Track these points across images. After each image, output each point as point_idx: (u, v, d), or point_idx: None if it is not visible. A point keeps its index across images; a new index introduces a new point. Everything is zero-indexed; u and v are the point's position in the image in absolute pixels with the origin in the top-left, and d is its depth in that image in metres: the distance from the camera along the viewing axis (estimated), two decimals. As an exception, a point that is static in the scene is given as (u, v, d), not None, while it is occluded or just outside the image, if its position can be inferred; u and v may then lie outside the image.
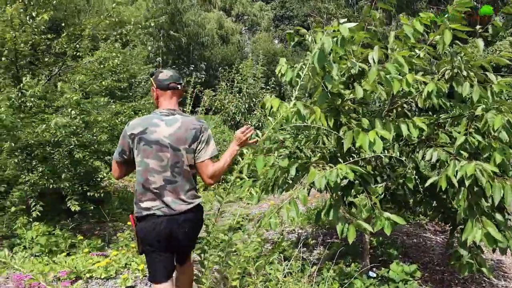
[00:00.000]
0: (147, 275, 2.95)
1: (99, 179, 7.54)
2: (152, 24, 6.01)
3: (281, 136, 4.28)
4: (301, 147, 3.93)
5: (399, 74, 2.99)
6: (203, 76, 25.20)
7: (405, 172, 3.70)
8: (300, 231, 6.13)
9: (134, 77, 8.73)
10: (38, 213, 4.61)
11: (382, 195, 3.98)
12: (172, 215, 2.55)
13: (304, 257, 4.73)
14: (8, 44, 5.09)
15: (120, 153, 2.65)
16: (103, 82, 5.49)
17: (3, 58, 5.29)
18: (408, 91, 3.13)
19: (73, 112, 4.62)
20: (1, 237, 5.55)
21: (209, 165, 2.63)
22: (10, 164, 4.68)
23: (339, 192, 3.30)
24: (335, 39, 2.88)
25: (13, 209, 5.55)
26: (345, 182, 3.27)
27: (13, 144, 4.48)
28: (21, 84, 4.58)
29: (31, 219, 5.23)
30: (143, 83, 11.37)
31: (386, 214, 3.02)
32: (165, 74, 2.71)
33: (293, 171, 3.43)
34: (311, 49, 3.03)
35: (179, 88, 2.73)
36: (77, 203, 4.80)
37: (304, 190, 3.17)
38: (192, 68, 25.64)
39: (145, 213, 2.55)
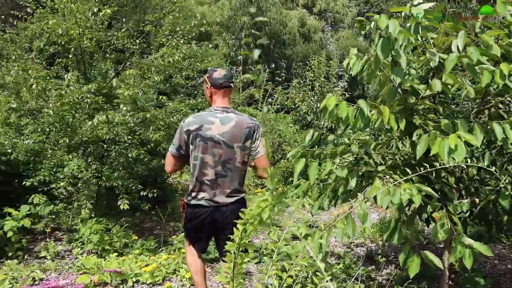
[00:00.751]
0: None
1: (165, 178, 7.54)
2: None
3: (361, 137, 3.71)
4: (370, 152, 3.37)
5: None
6: (284, 74, 24.95)
7: (498, 187, 2.99)
8: (370, 244, 5.52)
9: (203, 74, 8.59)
10: (87, 211, 4.52)
11: (468, 212, 3.31)
12: (217, 207, 2.78)
13: (372, 276, 4.17)
14: (74, 41, 5.11)
15: (178, 148, 2.84)
16: (156, 78, 5.30)
17: (70, 55, 5.35)
18: (502, 85, 2.43)
19: (124, 108, 4.47)
20: (66, 230, 5.64)
21: (264, 159, 2.88)
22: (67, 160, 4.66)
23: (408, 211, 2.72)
24: (408, 25, 2.34)
25: (76, 204, 5.63)
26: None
27: (67, 141, 4.44)
28: (68, 80, 4.50)
29: (92, 215, 5.24)
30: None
31: (468, 240, 2.38)
32: (219, 73, 2.87)
33: (353, 183, 2.90)
34: (374, 37, 2.51)
35: (232, 86, 2.91)
36: (127, 202, 4.65)
37: (365, 204, 2.64)
38: (272, 67, 25.53)
39: (195, 202, 2.81)
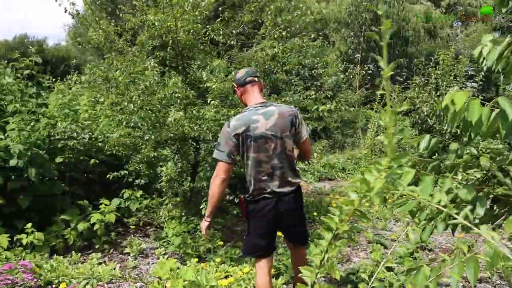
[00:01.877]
0: (242, 250, 3.09)
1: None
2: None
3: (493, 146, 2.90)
4: (507, 168, 2.52)
5: None
6: (404, 74, 23.23)
7: None
8: (498, 281, 4.47)
9: (310, 69, 8.02)
10: (177, 209, 4.27)
11: None
12: (279, 197, 2.81)
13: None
14: (171, 34, 4.94)
15: (228, 154, 2.76)
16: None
17: (168, 49, 5.20)
18: None
19: (213, 103, 4.13)
20: (156, 226, 5.57)
21: (308, 141, 2.99)
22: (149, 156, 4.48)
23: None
24: None
25: (166, 201, 5.50)
26: None
27: (152, 137, 4.25)
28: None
29: (183, 213, 5.07)
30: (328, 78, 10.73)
31: None
32: (240, 72, 2.95)
33: (480, 210, 2.12)
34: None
35: (256, 80, 2.92)
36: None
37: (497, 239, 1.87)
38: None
39: (256, 198, 2.80)
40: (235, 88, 2.96)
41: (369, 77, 21.54)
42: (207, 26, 5.08)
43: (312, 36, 4.95)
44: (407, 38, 24.25)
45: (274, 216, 2.82)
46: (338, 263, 4.59)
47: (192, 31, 4.99)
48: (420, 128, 7.31)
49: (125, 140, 4.46)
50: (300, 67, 7.98)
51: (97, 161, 5.51)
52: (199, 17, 5.03)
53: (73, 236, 4.47)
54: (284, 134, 2.78)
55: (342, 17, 23.95)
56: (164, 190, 4.81)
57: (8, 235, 4.03)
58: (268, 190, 2.78)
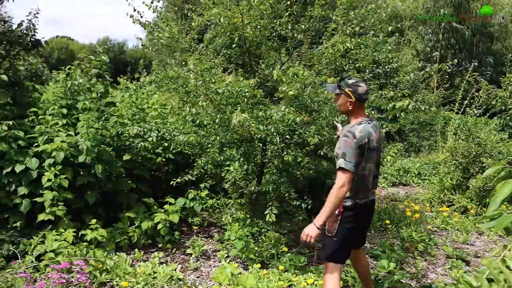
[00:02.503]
0: (328, 255, 3.11)
1: (331, 183, 6.81)
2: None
3: None
4: None
5: None
6: (489, 73, 21.52)
7: None
8: None
9: (383, 65, 7.52)
10: (230, 215, 4.12)
11: None
12: (371, 204, 3.19)
13: None
14: (238, 31, 4.80)
15: (355, 165, 2.83)
16: (324, 70, 4.59)
17: (234, 45, 5.07)
18: None
19: (283, 107, 3.89)
20: (220, 227, 5.47)
21: None
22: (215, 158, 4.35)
23: None
24: None
25: (232, 201, 5.38)
26: None
27: (218, 138, 4.11)
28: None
29: (248, 216, 4.91)
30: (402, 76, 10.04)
31: None
32: (363, 88, 3.00)
33: None
34: None
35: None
36: (276, 212, 4.09)
37: None
38: (476, 64, 22.18)
39: (359, 205, 2.98)
40: (350, 100, 3.00)
41: (448, 77, 20.17)
42: (275, 21, 4.87)
43: (390, 29, 4.55)
44: (492, 34, 22.44)
45: (364, 219, 3.15)
46: (412, 279, 4.18)
47: (259, 27, 4.81)
48: (511, 131, 6.58)
49: (191, 139, 4.38)
50: (374, 65, 7.50)
51: (164, 160, 5.52)
52: (266, 12, 4.83)
53: (137, 234, 4.47)
54: (381, 146, 3.11)
55: (419, 13, 22.66)
56: (229, 192, 4.68)
57: (74, 230, 4.10)
58: (370, 198, 3.08)
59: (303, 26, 4.76)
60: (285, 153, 4.18)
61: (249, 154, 4.47)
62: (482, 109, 8.65)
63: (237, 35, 4.84)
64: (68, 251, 3.73)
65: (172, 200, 5.06)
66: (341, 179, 2.76)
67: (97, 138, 4.41)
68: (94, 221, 4.17)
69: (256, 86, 4.61)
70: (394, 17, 23.73)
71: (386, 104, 3.84)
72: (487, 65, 22.50)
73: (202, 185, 5.11)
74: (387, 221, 5.85)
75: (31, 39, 6.04)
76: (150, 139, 4.77)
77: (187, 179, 4.57)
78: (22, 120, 4.75)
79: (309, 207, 4.42)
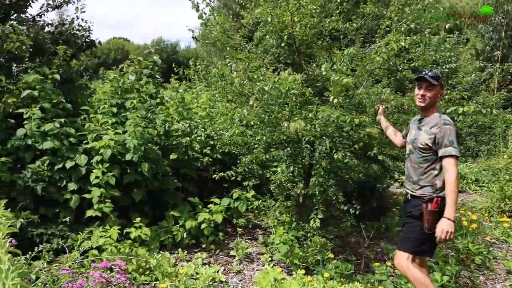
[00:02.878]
0: (417, 250, 3.09)
1: (385, 186, 6.54)
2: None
3: None
4: None
5: None
6: (555, 72, 20.04)
7: None
8: None
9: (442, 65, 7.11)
10: (275, 217, 4.01)
11: None
12: None
13: None
14: (287, 29, 4.68)
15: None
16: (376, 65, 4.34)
17: (283, 44, 4.95)
18: None
19: (336, 100, 3.71)
20: (265, 229, 5.37)
21: None
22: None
23: None
24: None
25: (278, 203, 5.26)
26: None
27: (264, 138, 4.00)
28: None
29: (293, 219, 4.79)
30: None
31: None
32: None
33: None
34: None
35: None
36: (321, 216, 3.94)
37: None
38: (543, 62, 20.77)
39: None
40: (442, 90, 3.12)
41: (510, 77, 18.99)
42: (326, 20, 4.71)
43: (448, 26, 4.25)
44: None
45: None
46: (469, 294, 3.89)
47: (309, 25, 4.66)
48: None
49: (237, 138, 4.32)
50: (432, 65, 7.11)
51: (211, 160, 5.50)
52: (316, 11, 4.67)
53: (181, 233, 4.46)
54: None
55: (478, 10, 21.46)
56: (274, 194, 4.57)
57: (119, 227, 4.14)
58: None
59: (354, 25, 4.56)
60: (334, 151, 4.01)
61: (296, 155, 4.34)
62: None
63: (286, 33, 4.72)
64: (111, 249, 3.77)
65: (217, 200, 5.02)
66: (455, 166, 2.83)
67: (144, 137, 4.44)
68: (138, 219, 4.20)
69: (304, 83, 4.48)
70: (452, 14, 22.59)
71: (445, 107, 3.59)
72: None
73: (246, 183, 5.02)
74: (441, 230, 5.52)
75: (86, 39, 6.24)
76: (198, 138, 4.76)
77: (230, 175, 4.51)
78: (74, 118, 4.88)
79: (357, 212, 4.23)
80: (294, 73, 5.16)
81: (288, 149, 4.30)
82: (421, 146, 2.99)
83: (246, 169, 4.55)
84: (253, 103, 3.85)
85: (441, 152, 2.88)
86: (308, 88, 4.25)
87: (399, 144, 3.62)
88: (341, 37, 4.99)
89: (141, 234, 4.10)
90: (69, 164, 4.25)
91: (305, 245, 4.47)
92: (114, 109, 4.95)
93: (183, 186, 5.23)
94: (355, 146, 4.21)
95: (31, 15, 6.49)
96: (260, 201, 5.47)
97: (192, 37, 5.13)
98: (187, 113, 5.56)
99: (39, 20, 6.42)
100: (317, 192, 4.13)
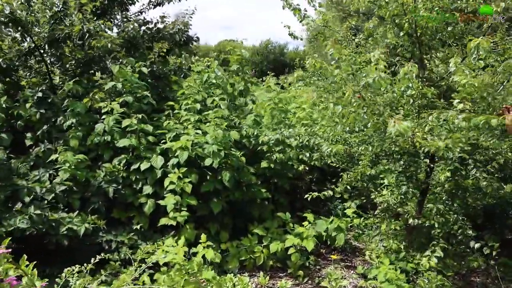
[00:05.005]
0: None
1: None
2: None
3: None
4: None
5: None
6: None
7: None
8: None
9: None
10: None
11: None
12: None
13: None
14: (408, 15, 3.78)
15: None
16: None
17: (401, 33, 4.05)
18: None
19: (460, 106, 2.77)
20: (367, 256, 4.49)
21: None
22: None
23: None
24: None
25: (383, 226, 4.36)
26: None
27: (370, 148, 3.17)
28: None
29: (401, 247, 3.88)
30: None
31: None
32: None
33: None
34: None
35: None
36: (439, 255, 2.99)
37: None
38: None
39: None
40: None
41: None
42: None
43: None
44: None
45: None
46: None
47: (436, 8, 3.70)
48: None
49: (339, 148, 3.53)
50: None
51: (307, 168, 4.78)
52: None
53: (264, 256, 3.80)
54: None
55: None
56: (378, 219, 3.71)
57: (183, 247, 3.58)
58: None
59: (502, 4, 3.50)
60: (464, 172, 3.03)
61: (411, 171, 3.42)
62: None
63: (406, 20, 3.82)
64: (178, 267, 3.21)
65: (310, 217, 4.29)
66: None
67: (225, 141, 3.88)
68: (204, 237, 3.51)
69: (425, 82, 3.57)
70: None
71: None
72: None
73: (348, 204, 4.22)
74: None
75: (183, 36, 5.97)
76: (291, 152, 4.10)
77: (327, 195, 3.75)
78: (159, 114, 4.52)
79: (493, 253, 3.18)
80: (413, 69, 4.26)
81: (401, 162, 3.38)
82: None
83: (348, 187, 3.75)
84: (356, 102, 3.05)
85: None
86: (430, 89, 3.34)
87: None
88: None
89: (209, 256, 3.46)
90: (144, 166, 3.84)
91: (416, 283, 3.53)
92: (198, 106, 4.45)
93: (274, 196, 4.60)
94: (493, 164, 3.19)
95: (132, 13, 6.46)
96: (362, 218, 4.58)
97: (289, 33, 4.47)
98: (283, 116, 4.89)
99: (139, 18, 6.30)
100: (436, 224, 3.18)
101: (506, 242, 5.10)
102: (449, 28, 3.83)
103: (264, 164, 4.38)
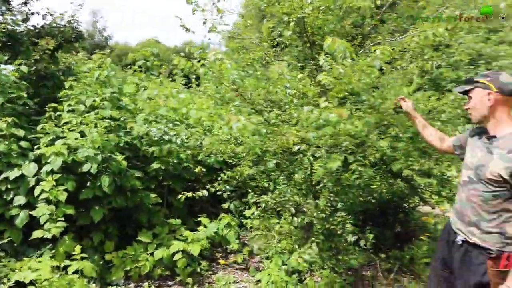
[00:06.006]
0: None
1: (412, 207, 5.46)
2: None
3: None
4: None
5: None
6: None
7: None
8: None
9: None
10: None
11: None
12: None
13: None
14: (296, 12, 3.73)
15: None
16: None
17: (289, 32, 4.01)
18: None
19: (323, 105, 2.76)
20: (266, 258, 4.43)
21: None
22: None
23: None
24: None
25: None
26: None
27: (252, 147, 3.07)
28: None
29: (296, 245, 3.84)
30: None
31: None
32: (507, 77, 2.19)
33: None
34: None
35: None
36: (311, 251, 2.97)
37: None
38: None
39: None
40: (490, 92, 2.18)
41: None
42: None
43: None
44: None
45: None
46: None
47: (323, 7, 3.70)
48: None
49: (222, 147, 3.40)
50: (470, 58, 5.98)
51: (203, 169, 4.62)
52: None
53: (149, 264, 3.57)
54: None
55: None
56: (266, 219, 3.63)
57: (51, 261, 3.27)
58: None
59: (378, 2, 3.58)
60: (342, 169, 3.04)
61: (290, 170, 3.38)
62: None
63: (293, 19, 3.77)
64: (45, 285, 2.90)
65: (206, 220, 4.15)
66: None
67: (104, 143, 3.60)
68: (78, 248, 3.24)
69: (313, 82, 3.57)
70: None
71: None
72: None
73: (226, 205, 4.13)
74: None
75: (73, 32, 5.57)
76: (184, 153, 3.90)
77: (202, 195, 3.63)
78: (40, 117, 4.11)
79: (368, 245, 3.21)
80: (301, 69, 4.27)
81: (282, 161, 3.32)
82: (492, 177, 2.05)
83: (227, 186, 3.63)
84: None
85: None
86: (312, 87, 3.33)
87: (443, 150, 2.67)
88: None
89: (81, 268, 3.19)
90: (14, 174, 3.46)
91: (307, 283, 3.51)
92: (82, 107, 4.11)
93: (167, 200, 4.38)
94: (370, 158, 3.23)
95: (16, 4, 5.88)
96: (261, 219, 4.50)
97: (180, 25, 4.27)
98: (180, 117, 4.67)
99: (22, 10, 5.75)
100: (314, 221, 3.16)
101: (398, 235, 5.33)
102: (332, 27, 3.86)
103: (155, 166, 4.16)
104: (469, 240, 2.12)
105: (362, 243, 3.00)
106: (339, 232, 3.25)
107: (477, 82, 2.21)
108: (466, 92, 2.28)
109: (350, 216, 3.42)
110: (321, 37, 4.06)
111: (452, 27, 3.30)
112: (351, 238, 3.14)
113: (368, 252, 4.01)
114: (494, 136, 2.13)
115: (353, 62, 2.67)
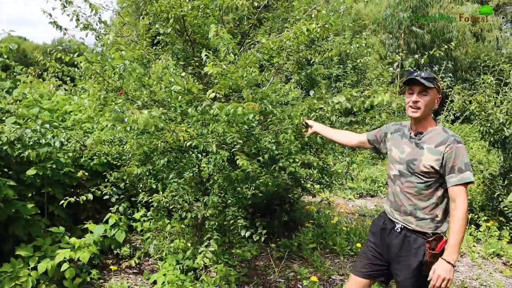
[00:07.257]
0: None
1: (296, 197, 5.84)
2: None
3: None
4: None
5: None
6: (449, 78, 21.42)
7: None
8: None
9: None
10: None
11: None
12: None
13: None
14: (174, 10, 3.71)
15: None
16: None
17: (169, 30, 3.98)
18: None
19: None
20: (159, 259, 4.36)
21: None
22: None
23: None
24: None
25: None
26: None
27: (134, 147, 3.02)
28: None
29: (189, 245, 3.85)
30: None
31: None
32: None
33: None
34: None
35: None
36: (213, 249, 3.05)
37: None
38: (436, 69, 22.01)
39: None
40: (438, 95, 2.41)
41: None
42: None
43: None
44: (450, 40, 22.33)
45: None
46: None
47: (202, 6, 3.76)
48: (492, 140, 5.81)
49: (101, 148, 3.26)
50: (346, 59, 6.59)
51: (87, 174, 4.37)
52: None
53: (32, 279, 3.28)
54: None
55: (380, 18, 22.33)
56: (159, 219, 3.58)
57: None
58: None
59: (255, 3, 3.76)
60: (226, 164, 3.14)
61: (180, 168, 3.39)
62: (456, 114, 7.95)
63: (172, 16, 3.76)
64: None
65: (92, 226, 3.94)
66: (466, 196, 2.23)
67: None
68: None
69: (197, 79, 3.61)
70: (356, 21, 23.03)
71: (358, 105, 2.92)
72: (448, 70, 22.46)
73: (115, 209, 4.00)
74: (358, 245, 4.97)
75: None
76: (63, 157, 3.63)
77: (86, 199, 3.47)
78: None
79: (262, 238, 3.36)
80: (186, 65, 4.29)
81: (171, 159, 3.31)
82: (425, 169, 2.31)
83: (115, 189, 3.51)
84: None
85: (454, 179, 2.24)
86: (196, 84, 3.36)
87: (354, 145, 2.96)
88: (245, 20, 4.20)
89: None
90: None
91: (203, 279, 3.55)
92: None
93: (47, 209, 4.06)
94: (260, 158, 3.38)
95: None
96: (153, 220, 4.41)
97: (50, 22, 3.97)
98: (45, 117, 4.33)
99: None
100: (208, 216, 3.22)
101: (285, 225, 5.67)
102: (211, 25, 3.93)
103: (31, 171, 3.82)
104: (408, 226, 2.38)
105: (255, 237, 3.12)
106: (231, 227, 3.35)
107: (435, 82, 2.36)
108: (425, 88, 2.35)
109: (240, 210, 3.54)
110: (201, 36, 4.13)
111: (322, 25, 3.59)
112: (245, 233, 3.24)
113: (260, 243, 4.19)
114: (421, 133, 2.41)
115: (236, 58, 2.78)
